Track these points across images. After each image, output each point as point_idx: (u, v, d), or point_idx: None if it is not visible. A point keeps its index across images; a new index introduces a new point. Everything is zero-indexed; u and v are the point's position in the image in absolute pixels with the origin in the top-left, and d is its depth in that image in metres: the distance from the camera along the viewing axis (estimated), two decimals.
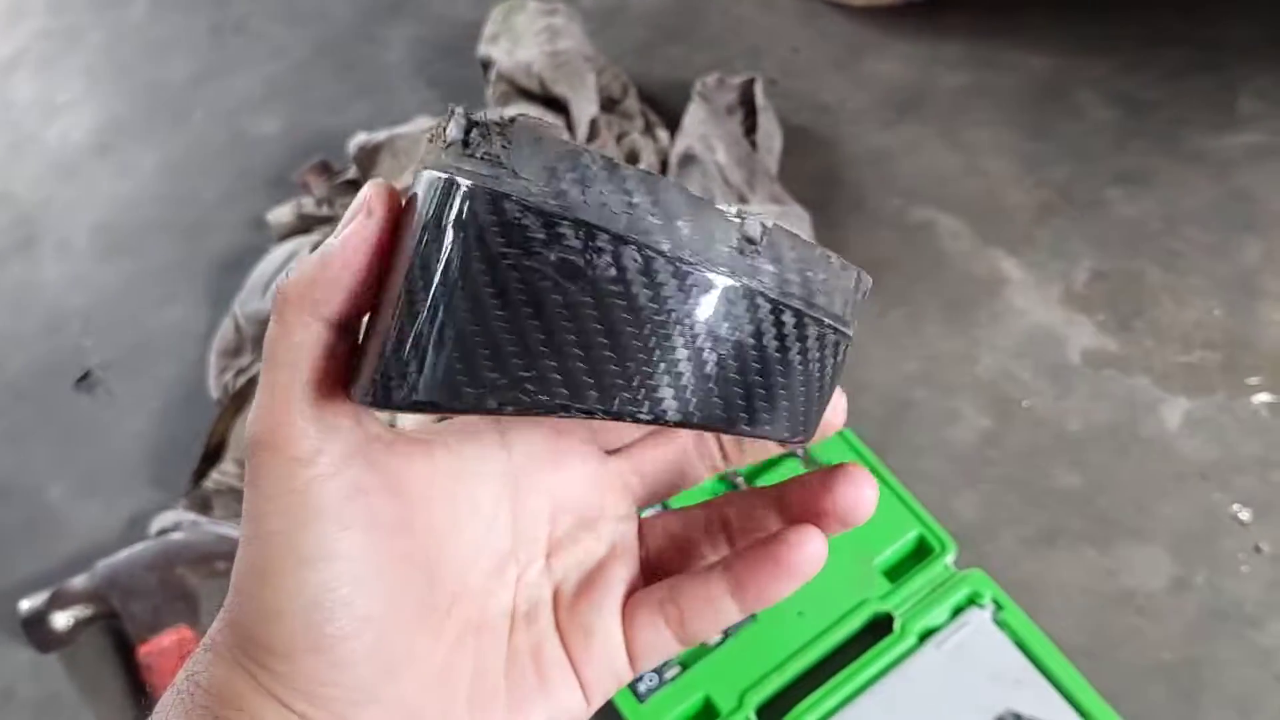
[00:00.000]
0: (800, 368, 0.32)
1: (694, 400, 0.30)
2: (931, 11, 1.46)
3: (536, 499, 0.39)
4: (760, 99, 1.34)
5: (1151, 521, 1.04)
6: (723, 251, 0.29)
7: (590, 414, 0.29)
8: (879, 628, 0.95)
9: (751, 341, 0.30)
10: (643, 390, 0.29)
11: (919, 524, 0.99)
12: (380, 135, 1.36)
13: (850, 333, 0.34)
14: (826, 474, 0.37)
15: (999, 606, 0.95)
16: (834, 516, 0.37)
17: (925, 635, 0.94)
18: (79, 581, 1.06)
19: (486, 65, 1.40)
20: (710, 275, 0.29)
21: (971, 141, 1.34)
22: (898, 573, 0.98)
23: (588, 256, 0.28)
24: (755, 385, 0.31)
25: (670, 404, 0.30)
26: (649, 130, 1.33)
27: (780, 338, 0.31)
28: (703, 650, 0.92)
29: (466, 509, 0.37)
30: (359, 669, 0.33)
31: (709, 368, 0.30)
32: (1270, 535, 1.02)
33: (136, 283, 1.42)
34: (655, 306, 0.29)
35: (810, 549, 0.36)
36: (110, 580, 1.05)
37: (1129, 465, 1.07)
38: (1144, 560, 1.02)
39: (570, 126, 1.28)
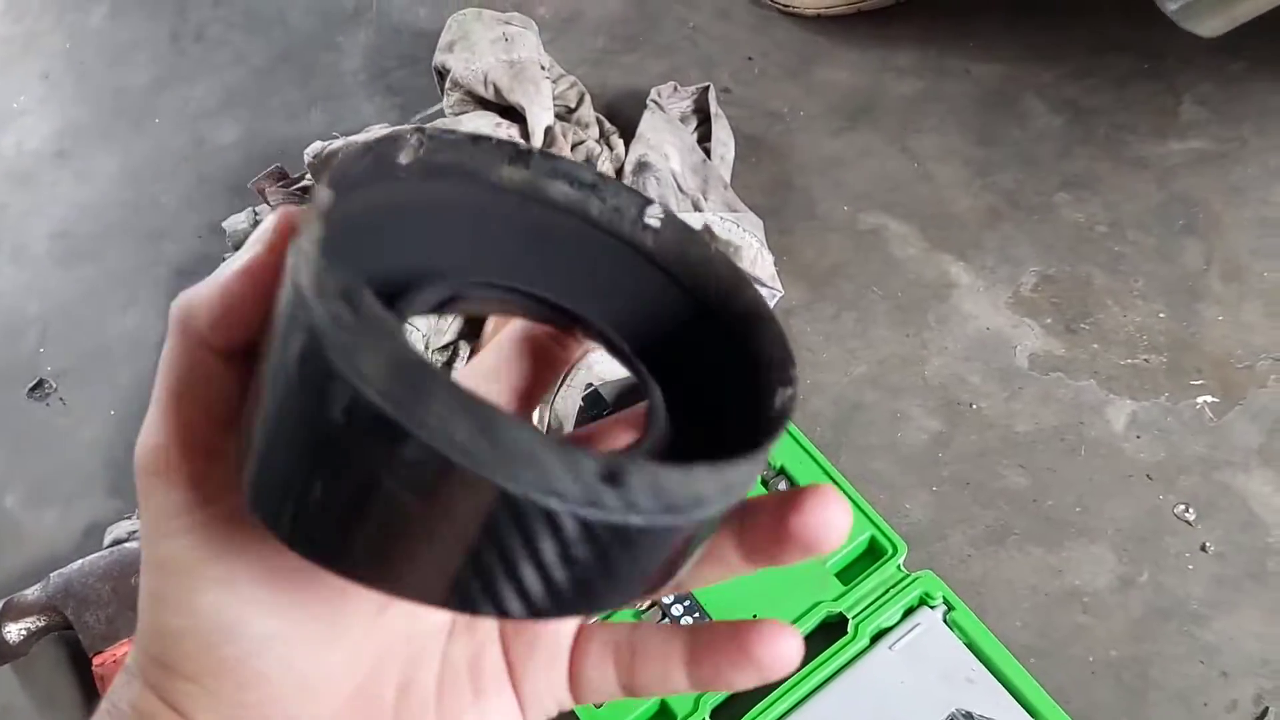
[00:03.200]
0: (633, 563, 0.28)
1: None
2: (883, 20, 1.48)
3: None
4: (714, 107, 1.35)
5: (1098, 521, 1.05)
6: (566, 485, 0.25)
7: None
8: (832, 629, 0.96)
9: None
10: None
11: (871, 525, 1.01)
12: (336, 143, 1.36)
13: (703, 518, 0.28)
14: (788, 496, 0.31)
15: (950, 607, 0.96)
16: (798, 542, 0.31)
17: (878, 636, 0.96)
18: (32, 592, 1.05)
19: (442, 74, 1.40)
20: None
21: (921, 148, 1.36)
22: (850, 574, 1.00)
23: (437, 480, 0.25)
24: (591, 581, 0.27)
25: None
26: (604, 138, 1.33)
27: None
28: None
29: None
30: (268, 689, 0.32)
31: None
32: (1214, 534, 1.03)
33: (94, 290, 1.42)
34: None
35: (782, 647, 0.32)
36: (64, 591, 1.04)
37: (1076, 466, 1.09)
38: (1091, 559, 1.03)
39: (526, 135, 1.29)
